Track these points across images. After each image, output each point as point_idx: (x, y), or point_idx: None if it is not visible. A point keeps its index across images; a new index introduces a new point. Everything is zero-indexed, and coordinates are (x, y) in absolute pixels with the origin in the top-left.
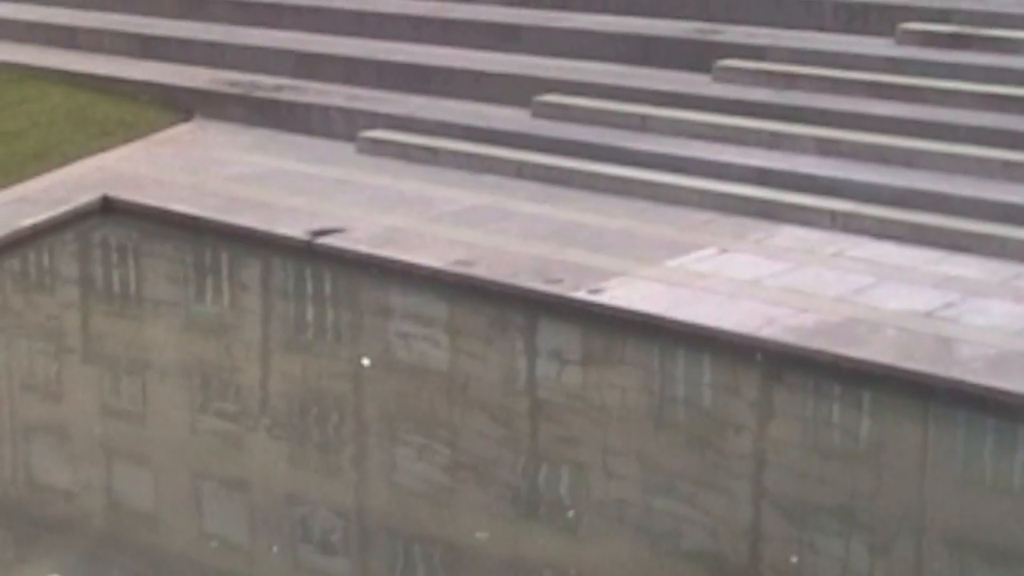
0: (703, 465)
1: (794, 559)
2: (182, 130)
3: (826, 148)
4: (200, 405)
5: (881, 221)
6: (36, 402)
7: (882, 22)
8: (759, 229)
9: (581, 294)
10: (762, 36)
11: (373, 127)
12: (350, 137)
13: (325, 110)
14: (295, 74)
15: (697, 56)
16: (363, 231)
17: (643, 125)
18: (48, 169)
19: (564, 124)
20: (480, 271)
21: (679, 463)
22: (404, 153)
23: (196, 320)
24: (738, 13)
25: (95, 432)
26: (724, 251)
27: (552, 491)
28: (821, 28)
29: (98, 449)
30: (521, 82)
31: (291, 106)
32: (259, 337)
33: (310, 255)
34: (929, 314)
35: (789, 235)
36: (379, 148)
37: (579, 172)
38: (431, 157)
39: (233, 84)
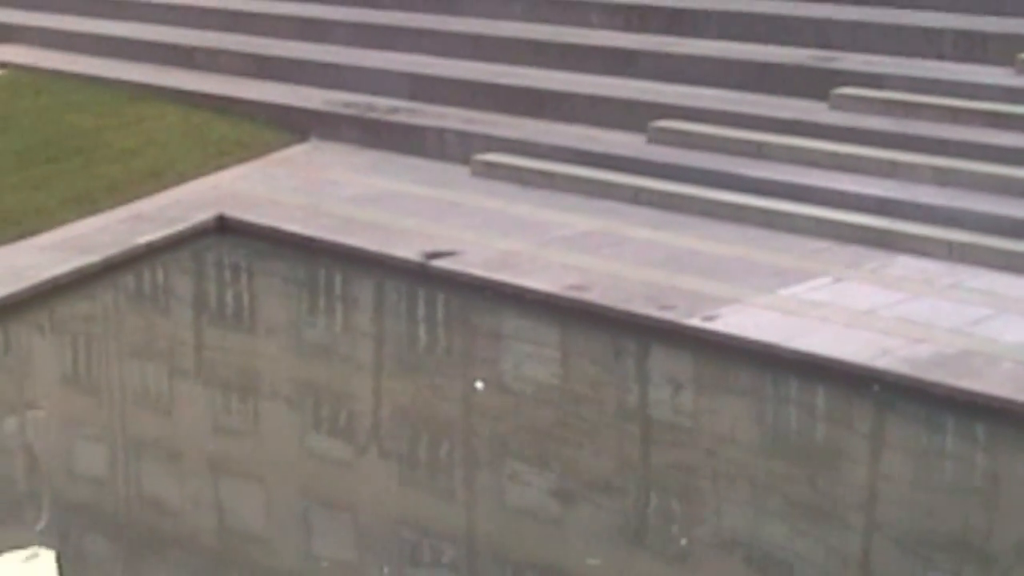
0: (816, 496)
1: None
2: (297, 151)
3: (944, 178)
4: (312, 425)
5: (999, 252)
6: (148, 419)
7: (1001, 52)
8: (875, 258)
9: (695, 321)
10: (880, 64)
11: (488, 150)
12: (465, 160)
13: (440, 132)
14: (411, 96)
15: (814, 83)
16: (477, 254)
17: (759, 152)
18: (164, 187)
19: (680, 150)
20: (594, 296)
21: (792, 493)
22: (519, 177)
23: (309, 340)
24: (856, 40)
25: (206, 450)
26: (839, 280)
27: (664, 518)
28: (940, 57)
29: (209, 467)
30: (637, 107)
31: (406, 128)
32: (372, 358)
33: (423, 277)
34: None
35: (905, 265)
36: (494, 171)
37: (694, 198)
38: (546, 181)
39: (348, 105)
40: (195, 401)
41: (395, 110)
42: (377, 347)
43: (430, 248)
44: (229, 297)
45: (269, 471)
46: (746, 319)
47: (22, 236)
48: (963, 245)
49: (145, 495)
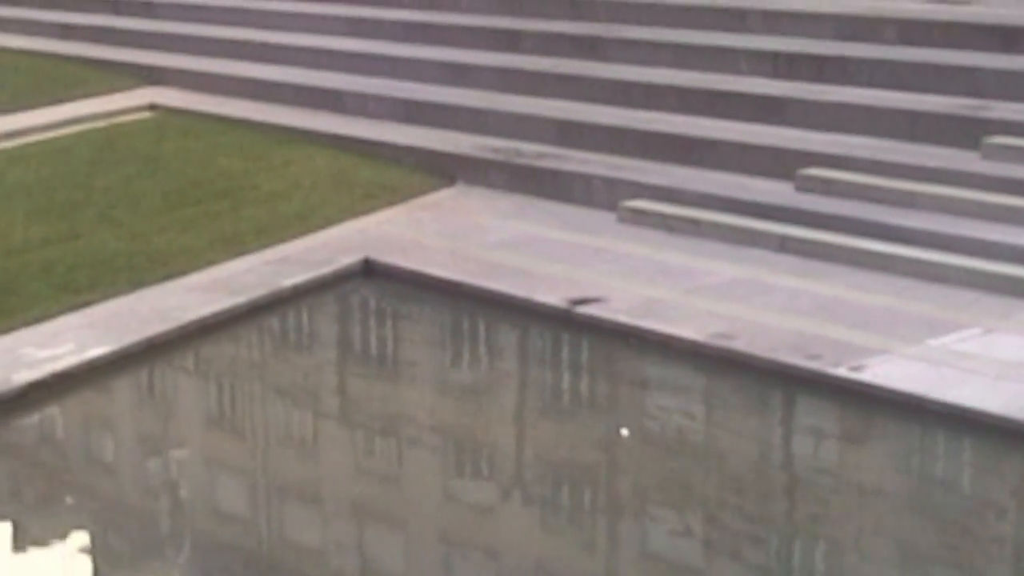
0: (963, 551)
1: None
2: (444, 195)
3: None
4: (455, 470)
5: None
6: (291, 461)
7: None
8: None
9: (841, 371)
10: None
11: (635, 197)
12: (611, 206)
13: (587, 179)
14: (557, 142)
15: (965, 132)
16: (622, 301)
17: (908, 201)
18: (310, 230)
19: (828, 198)
20: (740, 345)
21: (938, 547)
22: (665, 224)
23: (452, 384)
24: (1008, 89)
25: (348, 493)
26: (989, 331)
27: (807, 571)
28: None
29: (351, 510)
30: (785, 155)
31: (553, 174)
32: (515, 404)
33: (568, 323)
34: None
35: None
36: (640, 218)
37: (842, 247)
38: (692, 228)
39: (495, 151)
40: (338, 444)
41: (542, 155)
42: (521, 393)
43: (575, 294)
44: (373, 340)
45: (411, 515)
46: (893, 369)
47: (169, 277)
48: None
49: (287, 536)
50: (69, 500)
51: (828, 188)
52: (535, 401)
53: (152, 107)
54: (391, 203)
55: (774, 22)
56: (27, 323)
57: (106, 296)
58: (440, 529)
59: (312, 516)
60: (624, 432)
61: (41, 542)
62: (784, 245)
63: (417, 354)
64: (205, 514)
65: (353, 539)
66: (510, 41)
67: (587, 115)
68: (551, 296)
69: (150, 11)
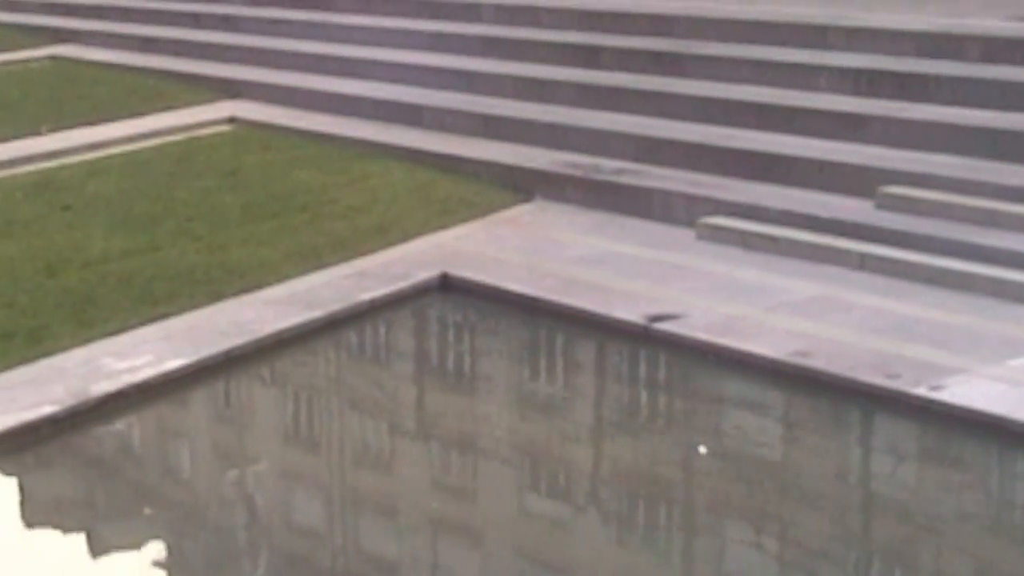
0: None
1: None
2: (522, 210)
3: None
4: (531, 486)
5: None
6: (367, 475)
7: None
8: None
9: (921, 391)
10: None
11: (713, 213)
12: (690, 223)
13: (666, 195)
14: (636, 158)
15: None
16: (700, 318)
17: (990, 220)
18: (388, 245)
19: (908, 216)
20: (818, 363)
21: (1019, 572)
22: (744, 241)
23: (529, 400)
24: None
25: (424, 507)
26: None
27: None
28: None
29: (426, 525)
30: (865, 173)
31: (631, 190)
32: (592, 420)
33: (646, 340)
34: None
35: None
36: (719, 235)
37: (922, 266)
38: (771, 246)
39: (574, 166)
40: (414, 458)
41: (621, 171)
42: (598, 409)
43: (653, 311)
44: (450, 355)
45: (487, 530)
46: (973, 390)
47: (247, 290)
48: None
49: (362, 551)
50: (146, 511)
51: (909, 206)
52: (612, 417)
53: (231, 120)
54: (469, 218)
55: (855, 39)
56: (106, 334)
57: (184, 308)
58: (516, 545)
59: (387, 531)
60: (702, 450)
61: (116, 552)
62: (864, 263)
63: (494, 369)
64: (280, 527)
65: (428, 554)
66: (589, 56)
67: (666, 131)
68: (629, 312)
69: (231, 24)
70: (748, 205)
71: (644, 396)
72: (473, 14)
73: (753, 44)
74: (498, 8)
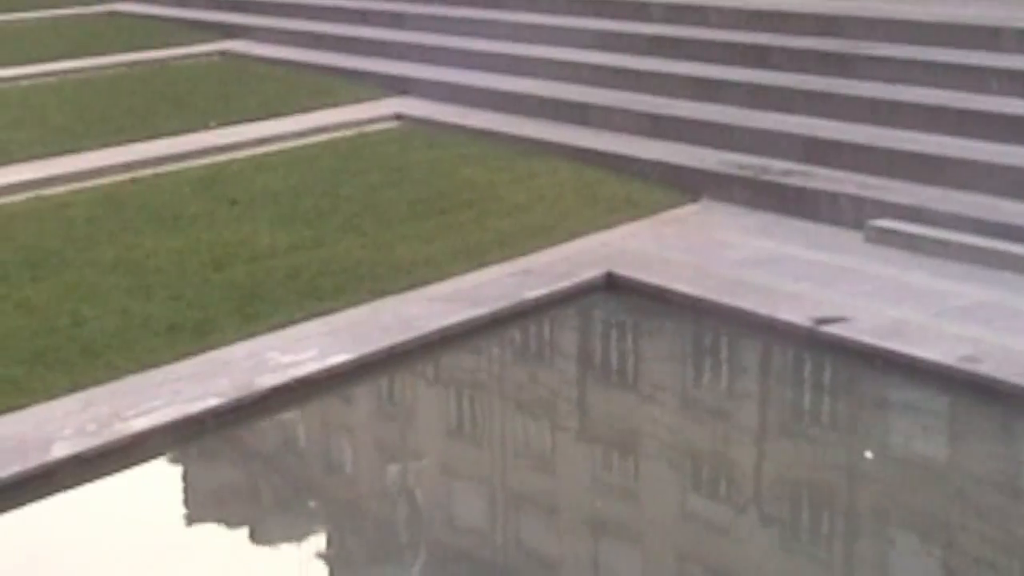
0: None
1: None
2: (688, 211)
3: None
4: (692, 487)
5: None
6: (528, 472)
7: None
8: None
9: None
10: None
11: (882, 216)
12: (858, 225)
13: (833, 197)
14: (804, 159)
15: None
16: (867, 321)
17: None
18: (553, 243)
19: None
20: (986, 369)
21: None
22: (912, 244)
23: (692, 401)
24: None
25: (584, 506)
26: None
27: None
28: None
29: (586, 524)
30: None
31: (799, 191)
32: (756, 422)
33: (811, 343)
34: None
35: None
36: (887, 238)
37: None
38: (940, 249)
39: (741, 167)
40: (575, 457)
41: (788, 172)
42: (762, 411)
43: (819, 313)
44: (614, 354)
45: (647, 531)
46: None
47: (412, 286)
48: None
49: (521, 548)
50: (309, 504)
51: None
52: (776, 420)
53: (398, 117)
54: (634, 217)
55: None
56: (271, 328)
57: (349, 304)
58: (677, 547)
59: (547, 529)
60: (868, 455)
61: (278, 544)
62: None
63: (657, 369)
64: (440, 523)
65: (588, 553)
66: (758, 57)
67: (834, 132)
68: (795, 315)
69: (398, 22)
70: (916, 208)
71: (809, 399)
72: (642, 13)
73: (924, 45)
74: (667, 7)
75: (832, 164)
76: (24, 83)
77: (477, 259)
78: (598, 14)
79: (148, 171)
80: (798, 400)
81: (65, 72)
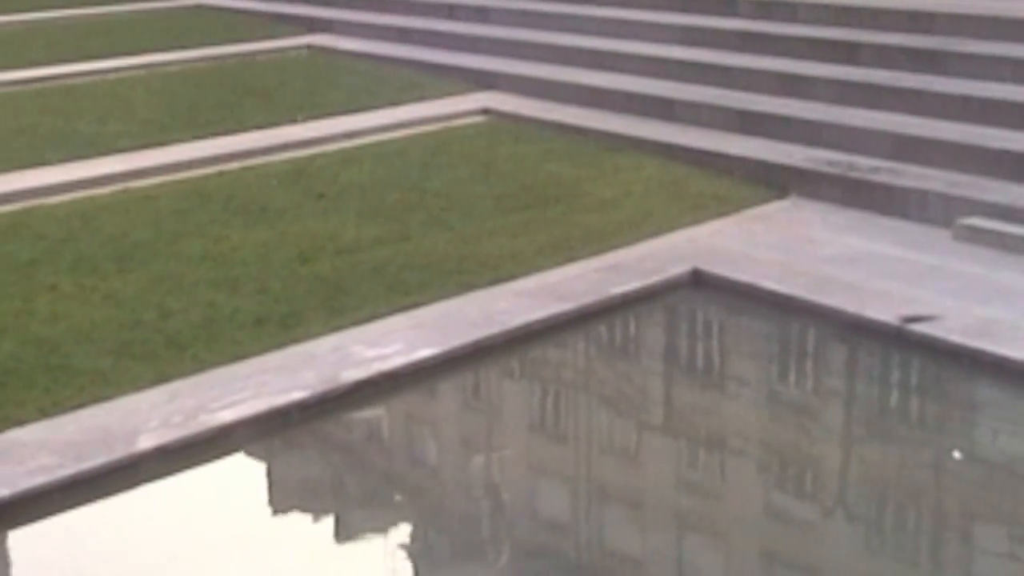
0: None
1: None
2: (775, 207)
3: None
4: (777, 485)
5: None
6: (612, 468)
7: None
8: None
9: None
10: None
11: (971, 214)
12: (947, 223)
13: (922, 194)
14: (893, 156)
15: None
16: (955, 320)
17: None
18: (640, 239)
19: None
20: None
21: None
22: (1001, 242)
23: (779, 399)
24: None
25: (668, 503)
26: None
27: None
28: None
29: (670, 520)
30: None
31: (887, 188)
32: (842, 421)
33: (898, 341)
34: None
35: None
36: (977, 236)
37: None
38: None
39: (829, 164)
40: (659, 453)
41: (877, 170)
42: (848, 409)
43: (907, 312)
44: (700, 351)
45: (731, 529)
46: None
47: (498, 281)
48: None
49: (605, 544)
50: (395, 497)
51: None
52: (864, 419)
53: (485, 112)
54: (721, 214)
55: None
56: (357, 322)
57: (435, 298)
58: (760, 545)
59: (630, 525)
60: (956, 454)
61: (362, 537)
62: None
63: (744, 367)
64: (524, 518)
65: (671, 551)
66: (847, 53)
67: (924, 130)
68: (883, 313)
69: (485, 16)
70: (1006, 206)
71: (896, 398)
72: (729, 8)
73: (1015, 42)
74: (755, 3)
75: (921, 161)
76: (112, 76)
77: (563, 254)
78: (685, 9)
79: (235, 164)
80: (885, 399)
81: (153, 65)
